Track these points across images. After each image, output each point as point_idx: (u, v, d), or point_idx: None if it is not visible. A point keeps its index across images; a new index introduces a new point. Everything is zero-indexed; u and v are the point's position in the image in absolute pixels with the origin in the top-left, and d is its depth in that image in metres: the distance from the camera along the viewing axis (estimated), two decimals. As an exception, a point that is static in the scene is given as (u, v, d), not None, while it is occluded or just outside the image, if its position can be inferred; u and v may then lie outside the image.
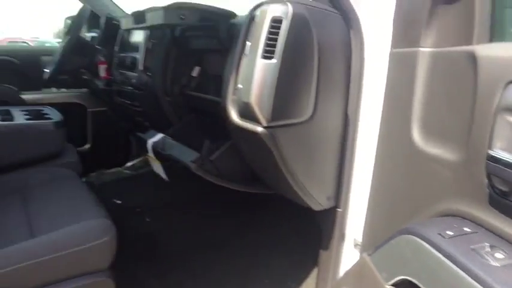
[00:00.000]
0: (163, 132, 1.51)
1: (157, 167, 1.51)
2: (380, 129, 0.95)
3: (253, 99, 0.92)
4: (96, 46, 2.24)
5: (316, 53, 0.94)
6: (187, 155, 1.27)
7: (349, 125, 1.05)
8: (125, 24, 1.59)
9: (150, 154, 1.44)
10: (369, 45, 1.00)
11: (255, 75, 0.91)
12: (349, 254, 1.14)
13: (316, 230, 1.23)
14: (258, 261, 1.63)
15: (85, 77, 2.47)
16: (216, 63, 1.42)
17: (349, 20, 1.01)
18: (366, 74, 1.01)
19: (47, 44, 15.10)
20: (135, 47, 1.86)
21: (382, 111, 0.93)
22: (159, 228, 1.88)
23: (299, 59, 0.93)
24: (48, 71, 2.37)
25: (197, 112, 1.59)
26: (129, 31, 1.92)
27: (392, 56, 0.91)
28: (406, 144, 0.82)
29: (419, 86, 0.81)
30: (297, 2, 0.94)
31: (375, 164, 0.96)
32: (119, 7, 2.56)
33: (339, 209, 1.13)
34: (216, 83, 1.42)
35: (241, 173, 1.26)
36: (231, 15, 1.27)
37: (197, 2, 1.25)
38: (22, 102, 2.38)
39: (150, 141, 1.43)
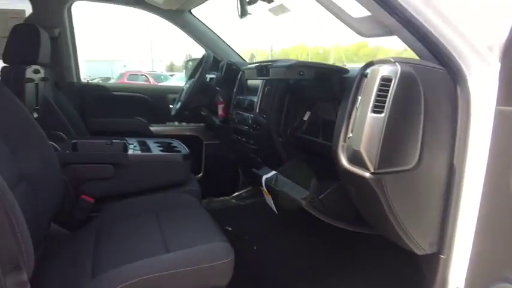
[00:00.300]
0: (274, 169, 1.68)
1: (269, 200, 1.67)
2: (484, 181, 0.99)
3: (362, 148, 1.03)
4: (216, 88, 2.53)
5: (422, 108, 1.02)
6: (297, 192, 1.41)
7: (454, 175, 1.09)
8: (248, 74, 1.81)
9: (263, 188, 1.61)
10: (475, 100, 1.05)
11: (365, 126, 1.03)
12: (451, 301, 1.16)
13: (416, 273, 1.26)
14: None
15: (203, 113, 2.78)
16: (326, 110, 1.56)
17: (455, 77, 1.07)
18: (472, 127, 1.06)
19: (161, 77, 16.72)
20: (252, 91, 2.08)
21: (487, 165, 0.98)
22: (265, 256, 2.02)
23: (406, 114, 1.02)
24: (173, 107, 2.73)
25: (306, 152, 1.73)
26: (246, 76, 2.15)
27: (497, 112, 0.96)
28: (510, 199, 0.86)
29: (524, 144, 0.86)
30: (406, 62, 1.03)
31: (478, 214, 1.00)
32: (237, 53, 2.87)
33: (442, 256, 1.15)
34: (325, 127, 1.56)
35: (347, 213, 1.36)
36: (344, 71, 1.41)
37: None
38: (150, 134, 2.75)
39: (264, 177, 1.61)
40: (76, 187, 1.79)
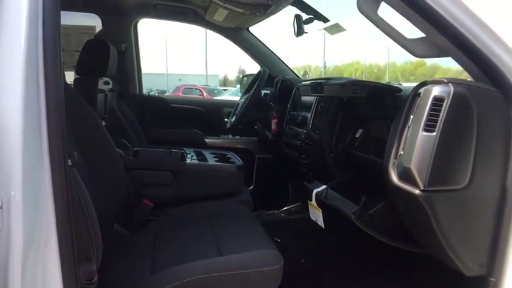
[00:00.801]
0: (325, 184, 1.72)
1: (317, 215, 1.71)
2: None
3: (413, 165, 1.05)
4: (270, 103, 2.61)
5: (475, 128, 1.03)
6: (347, 206, 1.45)
7: (507, 197, 1.08)
8: (302, 91, 1.88)
9: (313, 202, 1.66)
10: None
11: (416, 144, 1.05)
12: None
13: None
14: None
15: (256, 127, 2.87)
16: (379, 128, 1.59)
17: (509, 98, 1.07)
18: (527, 149, 1.06)
19: (215, 91, 17.17)
20: (305, 107, 2.14)
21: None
22: (313, 269, 2.05)
23: (458, 133, 1.03)
24: (228, 120, 2.83)
25: (357, 168, 1.76)
26: (300, 92, 2.22)
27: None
28: None
29: None
30: (459, 82, 1.05)
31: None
32: (292, 70, 2.95)
33: (492, 279, 1.13)
34: (376, 144, 1.58)
35: (396, 229, 1.36)
36: (397, 90, 1.44)
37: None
38: (205, 145, 2.86)
39: (315, 191, 1.65)
40: (137, 191, 1.92)
